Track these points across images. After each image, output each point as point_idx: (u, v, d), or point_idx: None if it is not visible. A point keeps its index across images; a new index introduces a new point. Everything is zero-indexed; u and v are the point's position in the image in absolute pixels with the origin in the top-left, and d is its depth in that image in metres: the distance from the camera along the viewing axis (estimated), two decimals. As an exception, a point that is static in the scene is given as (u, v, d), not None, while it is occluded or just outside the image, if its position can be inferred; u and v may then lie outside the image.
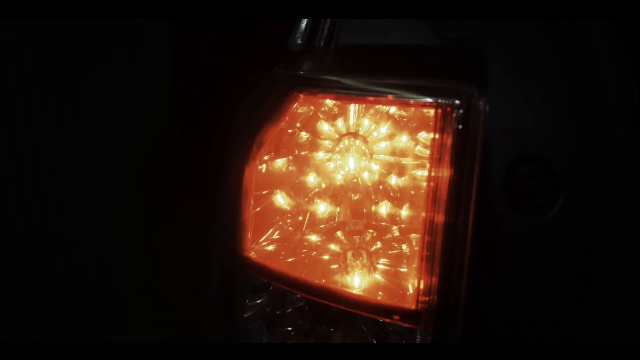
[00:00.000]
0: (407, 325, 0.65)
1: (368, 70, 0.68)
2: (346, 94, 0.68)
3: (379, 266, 0.75)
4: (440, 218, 0.61)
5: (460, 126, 0.58)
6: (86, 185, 2.09)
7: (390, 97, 0.64)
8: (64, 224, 1.99)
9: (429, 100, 0.60)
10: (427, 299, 0.62)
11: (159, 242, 2.46)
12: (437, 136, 0.60)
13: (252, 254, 0.74)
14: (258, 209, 0.75)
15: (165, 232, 2.49)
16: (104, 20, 2.02)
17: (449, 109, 0.59)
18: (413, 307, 0.63)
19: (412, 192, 0.74)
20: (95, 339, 1.95)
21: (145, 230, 2.38)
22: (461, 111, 0.58)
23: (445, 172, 0.60)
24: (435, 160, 0.61)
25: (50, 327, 1.94)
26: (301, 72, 0.72)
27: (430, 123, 0.62)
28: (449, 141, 0.59)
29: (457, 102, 0.58)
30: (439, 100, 0.59)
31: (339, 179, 0.77)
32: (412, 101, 0.63)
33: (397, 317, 0.64)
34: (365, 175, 0.76)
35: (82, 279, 2.06)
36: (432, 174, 0.61)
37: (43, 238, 1.94)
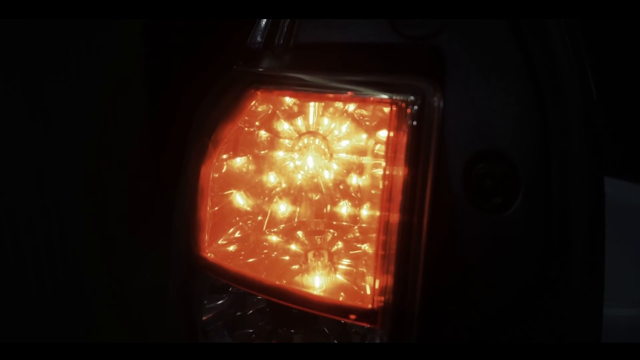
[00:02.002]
0: (364, 324, 0.64)
1: (327, 68, 0.67)
2: (304, 90, 0.67)
3: (340, 266, 0.74)
4: (395, 217, 0.60)
5: (414, 122, 0.57)
6: (56, 188, 2.06)
7: (348, 94, 0.63)
8: (32, 228, 1.95)
9: (385, 96, 0.60)
10: (383, 298, 0.61)
11: (129, 246, 2.43)
12: (391, 133, 0.59)
13: (210, 255, 0.73)
14: (216, 208, 0.74)
15: (136, 235, 2.47)
16: (77, 21, 2.00)
17: (403, 104, 0.58)
18: (369, 306, 0.62)
19: (373, 192, 0.73)
20: (65, 340, 1.92)
21: (116, 234, 2.35)
22: (415, 107, 0.58)
23: (400, 171, 0.59)
24: (390, 158, 0.60)
25: (21, 330, 1.91)
26: (260, 70, 0.71)
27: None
28: (403, 138, 0.59)
29: (411, 98, 0.58)
30: (394, 97, 0.59)
31: (299, 178, 0.76)
32: (370, 98, 0.62)
33: (353, 317, 0.63)
34: (326, 174, 0.75)
35: (52, 283, 2.03)
36: (387, 172, 0.60)
37: (12, 243, 1.91)
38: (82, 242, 2.14)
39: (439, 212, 0.62)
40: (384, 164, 0.62)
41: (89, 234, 2.17)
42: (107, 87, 2.24)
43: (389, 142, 0.60)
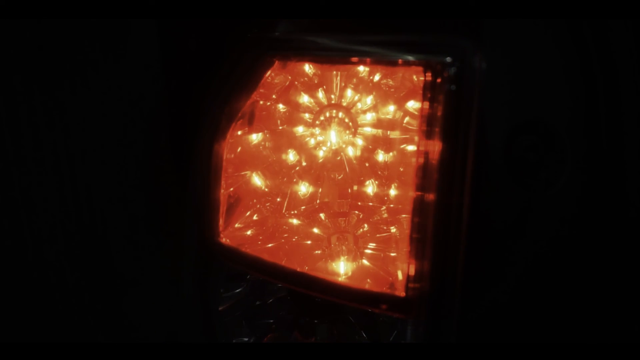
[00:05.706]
0: (396, 315, 0.59)
1: (350, 30, 0.61)
2: (324, 55, 0.60)
3: (367, 251, 0.69)
4: (431, 196, 0.54)
5: (453, 87, 0.51)
6: (74, 181, 2.03)
7: (373, 57, 0.56)
8: (50, 221, 1.93)
9: (416, 58, 0.53)
10: (418, 285, 0.55)
11: (148, 236, 2.41)
12: (426, 103, 0.53)
13: (226, 240, 0.68)
14: (231, 189, 0.69)
15: (155, 226, 2.45)
16: (91, 20, 1.96)
17: (439, 67, 0.51)
18: (402, 294, 0.56)
19: (401, 169, 0.67)
20: (81, 338, 1.89)
21: (133, 224, 2.32)
22: (454, 70, 0.51)
23: (436, 144, 0.53)
24: (425, 131, 0.54)
25: (35, 326, 1.88)
26: (276, 34, 0.65)
27: (420, 90, 0.55)
28: (440, 107, 0.52)
29: (448, 59, 0.51)
30: (428, 59, 0.52)
31: (320, 155, 0.70)
32: (399, 60, 0.55)
33: (384, 307, 0.58)
34: (350, 151, 0.69)
35: (67, 275, 2.01)
36: (421, 147, 0.54)
37: (26, 237, 1.88)
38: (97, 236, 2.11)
39: (479, 190, 0.56)
40: (416, 138, 0.56)
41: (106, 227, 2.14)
42: (122, 80, 2.20)
43: (423, 111, 0.53)
